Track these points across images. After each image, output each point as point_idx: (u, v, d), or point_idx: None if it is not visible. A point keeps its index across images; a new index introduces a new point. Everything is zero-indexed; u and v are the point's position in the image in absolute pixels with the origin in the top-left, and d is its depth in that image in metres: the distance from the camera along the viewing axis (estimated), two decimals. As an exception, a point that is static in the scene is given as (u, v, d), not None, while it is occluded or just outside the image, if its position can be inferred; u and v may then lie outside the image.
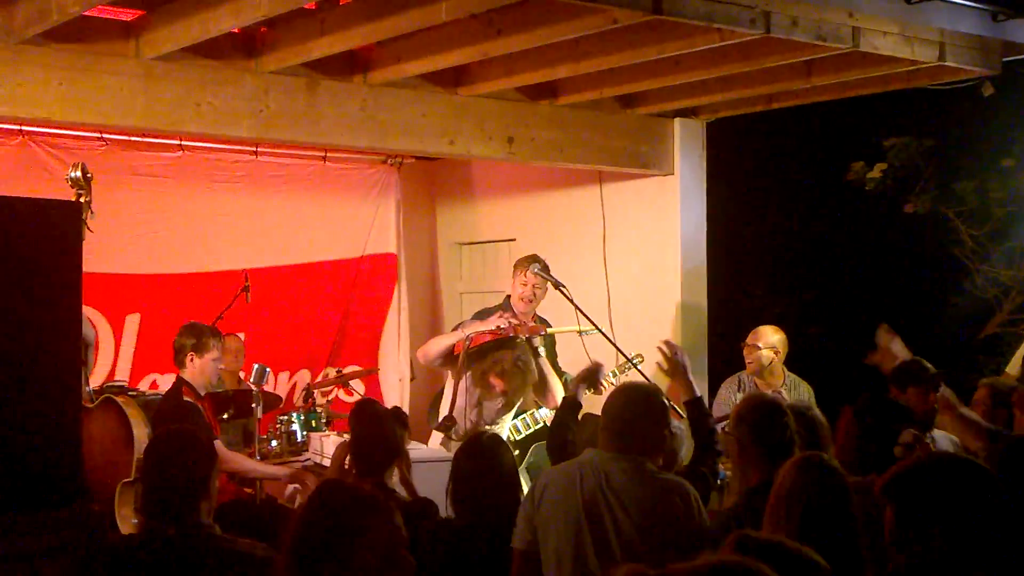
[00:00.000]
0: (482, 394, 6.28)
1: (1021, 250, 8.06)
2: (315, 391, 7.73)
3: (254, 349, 7.84)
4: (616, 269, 8.03)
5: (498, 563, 4.16)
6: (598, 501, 4.03)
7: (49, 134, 7.42)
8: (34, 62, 5.77)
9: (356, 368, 8.56)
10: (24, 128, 7.29)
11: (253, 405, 6.59)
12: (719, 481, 5.29)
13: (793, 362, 7.14)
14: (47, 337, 4.36)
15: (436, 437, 6.48)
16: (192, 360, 6.08)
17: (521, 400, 6.40)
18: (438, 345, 6.56)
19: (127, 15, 5.92)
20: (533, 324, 6.63)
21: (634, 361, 6.57)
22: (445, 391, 6.58)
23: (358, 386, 8.38)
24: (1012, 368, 6.57)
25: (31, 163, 7.40)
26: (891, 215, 8.43)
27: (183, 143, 7.93)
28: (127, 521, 5.36)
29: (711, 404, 6.75)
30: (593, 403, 6.85)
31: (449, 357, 6.46)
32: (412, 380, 8.86)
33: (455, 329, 6.69)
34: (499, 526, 4.21)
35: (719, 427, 5.07)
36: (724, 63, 6.34)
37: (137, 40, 5.96)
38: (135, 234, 7.95)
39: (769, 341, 6.93)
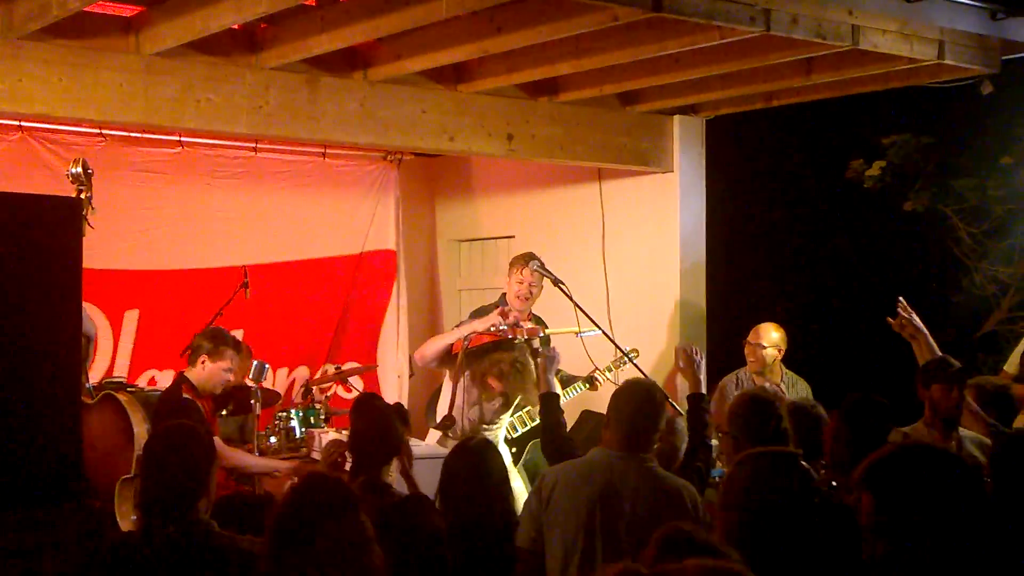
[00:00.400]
0: (480, 394, 6.28)
1: (1020, 248, 8.06)
2: (314, 387, 7.73)
3: (253, 345, 7.83)
4: (615, 266, 8.03)
5: (488, 567, 4.15)
6: (610, 501, 4.05)
7: (48, 130, 7.41)
8: (34, 58, 5.77)
9: (355, 365, 8.56)
10: (24, 124, 7.28)
11: (252, 401, 6.60)
12: (714, 479, 5.35)
13: (790, 359, 7.16)
14: (48, 334, 4.36)
15: (433, 435, 6.48)
16: (203, 363, 6.06)
17: (519, 399, 6.40)
18: (434, 346, 6.54)
19: (127, 11, 5.93)
20: (532, 326, 6.63)
21: (629, 355, 6.58)
22: (443, 389, 6.58)
23: (357, 382, 8.37)
24: (1010, 366, 6.56)
25: (30, 159, 7.39)
26: (890, 213, 8.42)
27: (183, 139, 7.92)
28: (127, 518, 5.35)
29: (709, 401, 6.76)
30: (591, 401, 6.89)
31: (447, 357, 6.44)
32: (411, 377, 8.86)
33: (457, 327, 6.68)
34: (488, 530, 4.21)
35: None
36: (724, 61, 6.35)
37: (137, 36, 5.97)
38: (134, 230, 7.94)
39: (772, 339, 6.95)
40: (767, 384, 6.78)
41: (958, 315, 8.03)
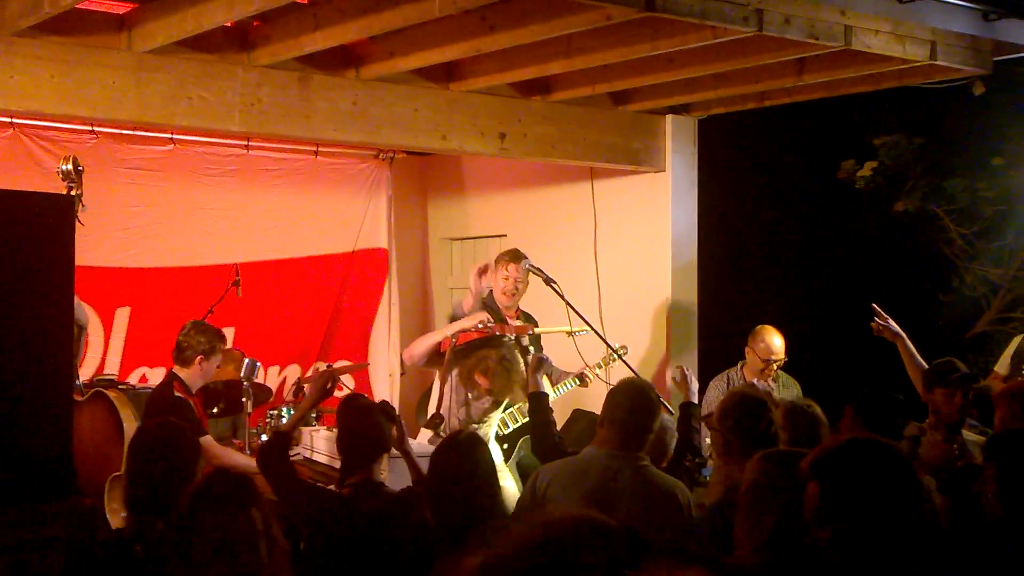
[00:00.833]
0: (469, 392, 6.28)
1: (1010, 249, 8.09)
2: (305, 385, 7.71)
3: (245, 343, 7.83)
4: (607, 265, 8.04)
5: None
6: (606, 498, 4.06)
7: (40, 127, 7.39)
8: (26, 54, 5.76)
9: (346, 363, 8.55)
10: (15, 121, 7.27)
11: (243, 399, 6.58)
12: (704, 477, 5.40)
13: (782, 359, 7.16)
14: (39, 331, 4.36)
15: (425, 434, 6.48)
16: (200, 363, 6.06)
17: (509, 397, 6.40)
18: (422, 345, 6.54)
19: (119, 8, 5.92)
20: (520, 324, 6.63)
21: (619, 352, 6.60)
22: (433, 388, 6.58)
23: (348, 381, 8.36)
24: (1000, 367, 6.57)
25: (22, 156, 7.37)
26: (881, 213, 8.45)
27: (174, 136, 7.90)
28: (116, 515, 5.34)
29: (700, 402, 6.77)
30: (582, 399, 6.90)
31: (435, 356, 6.44)
32: (402, 375, 8.86)
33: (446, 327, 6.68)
34: (475, 524, 4.19)
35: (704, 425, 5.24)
36: (716, 60, 6.35)
37: (129, 33, 5.95)
38: (125, 227, 7.92)
39: (782, 348, 6.83)
40: (756, 382, 6.77)
41: (949, 316, 8.07)
